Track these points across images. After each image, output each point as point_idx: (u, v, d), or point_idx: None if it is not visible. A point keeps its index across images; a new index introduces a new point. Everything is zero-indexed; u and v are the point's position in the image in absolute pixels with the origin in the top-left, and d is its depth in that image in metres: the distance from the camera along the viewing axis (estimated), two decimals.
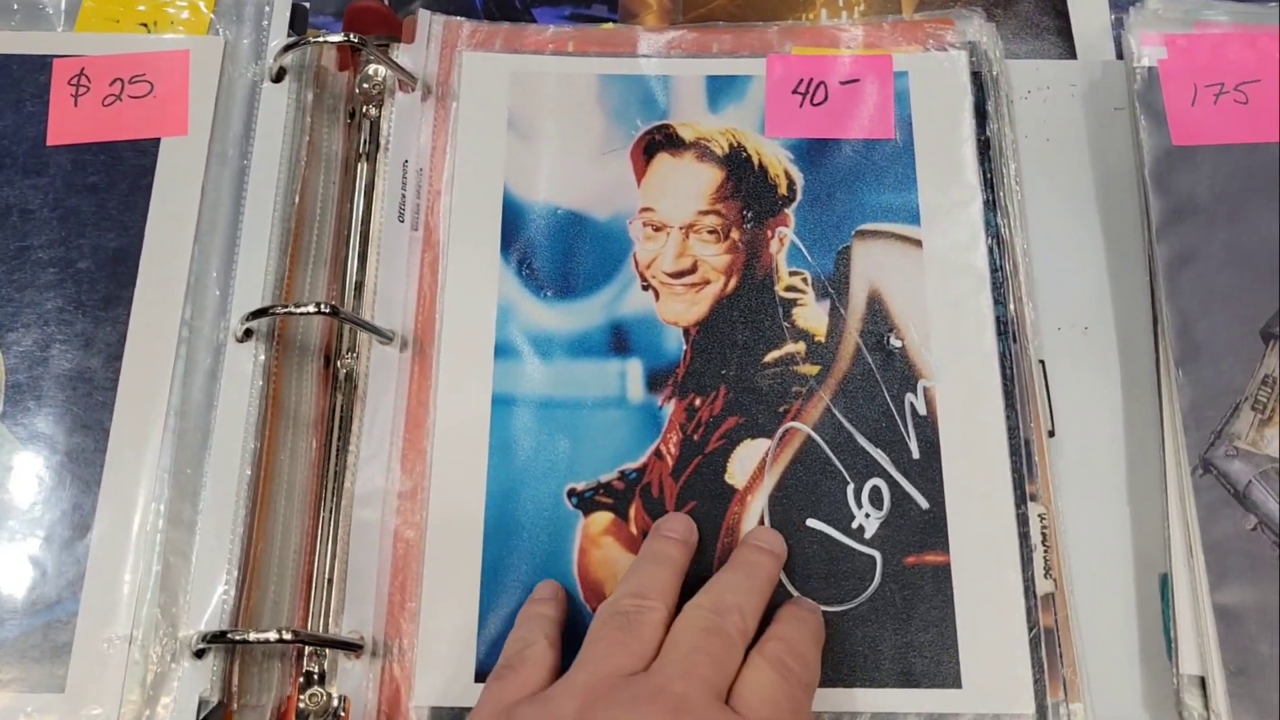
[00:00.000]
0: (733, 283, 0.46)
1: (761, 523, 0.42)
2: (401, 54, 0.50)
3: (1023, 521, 0.42)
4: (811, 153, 0.48)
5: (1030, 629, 0.41)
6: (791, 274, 0.46)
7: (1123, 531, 0.43)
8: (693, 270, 0.46)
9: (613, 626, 0.36)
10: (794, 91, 0.49)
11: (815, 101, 0.49)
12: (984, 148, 0.48)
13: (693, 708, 0.33)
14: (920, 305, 0.45)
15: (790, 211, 0.47)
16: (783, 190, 0.47)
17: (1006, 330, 0.45)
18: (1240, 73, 0.47)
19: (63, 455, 0.43)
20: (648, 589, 0.38)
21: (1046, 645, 0.41)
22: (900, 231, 0.47)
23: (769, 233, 0.47)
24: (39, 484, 0.42)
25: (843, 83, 0.49)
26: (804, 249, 0.46)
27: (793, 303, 0.46)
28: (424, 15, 0.51)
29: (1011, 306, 0.45)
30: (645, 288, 0.46)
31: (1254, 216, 0.44)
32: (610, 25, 0.53)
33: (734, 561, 0.40)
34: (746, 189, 0.48)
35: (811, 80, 0.49)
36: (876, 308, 0.45)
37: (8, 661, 0.40)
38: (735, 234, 0.47)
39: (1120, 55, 0.51)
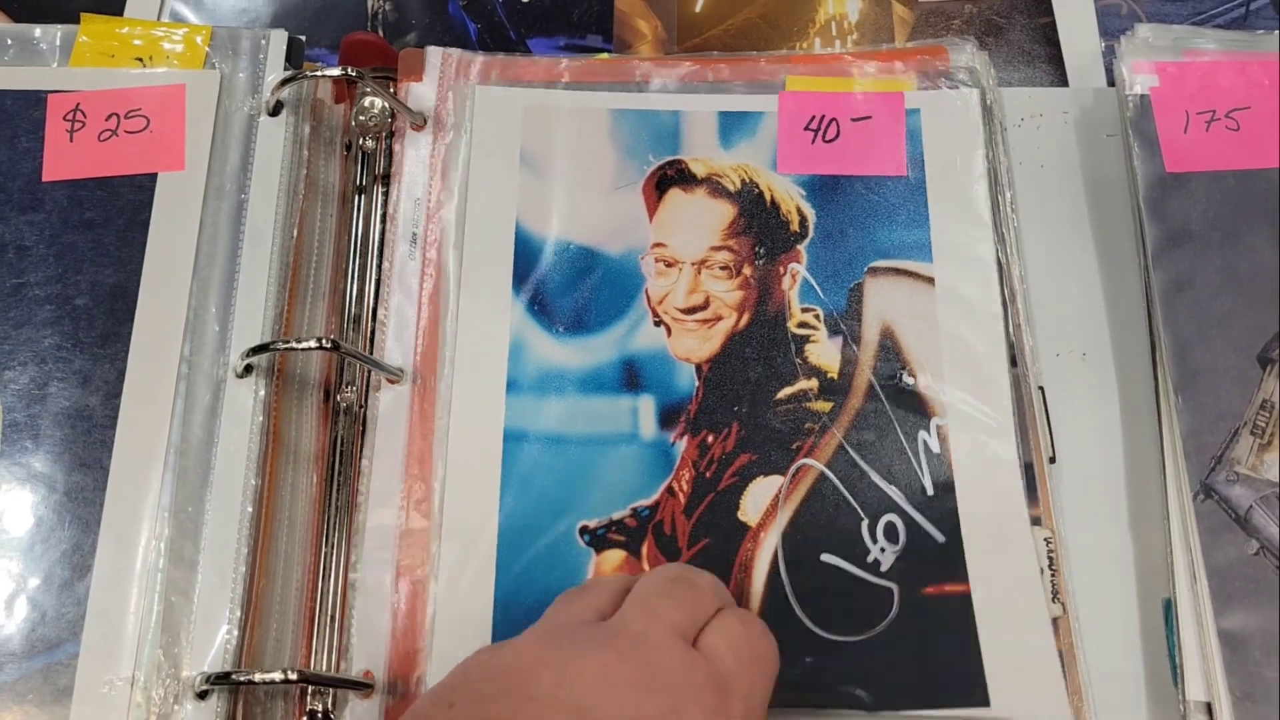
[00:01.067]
0: (745, 319, 0.46)
1: (775, 559, 0.42)
2: (412, 90, 0.50)
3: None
4: (823, 189, 0.48)
5: None
6: (804, 310, 0.46)
7: (1125, 557, 0.43)
8: (705, 306, 0.46)
9: (666, 578, 0.35)
10: (806, 128, 0.49)
11: (827, 138, 0.49)
12: None
13: None
14: (933, 342, 0.45)
15: (802, 248, 0.47)
16: (795, 227, 0.47)
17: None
18: (1231, 100, 0.47)
19: (61, 494, 0.42)
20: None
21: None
22: (912, 268, 0.46)
23: (781, 269, 0.47)
24: (38, 524, 0.42)
25: (855, 120, 0.49)
26: (816, 285, 0.46)
27: (805, 339, 0.45)
28: (432, 51, 0.51)
29: (1010, 333, 0.45)
30: (657, 324, 0.46)
31: (1249, 242, 0.45)
32: (607, 55, 0.54)
33: None
34: (759, 225, 0.47)
35: (824, 117, 0.49)
36: (889, 345, 0.45)
37: (7, 705, 0.39)
38: (747, 270, 0.47)
39: (1111, 82, 0.51)
